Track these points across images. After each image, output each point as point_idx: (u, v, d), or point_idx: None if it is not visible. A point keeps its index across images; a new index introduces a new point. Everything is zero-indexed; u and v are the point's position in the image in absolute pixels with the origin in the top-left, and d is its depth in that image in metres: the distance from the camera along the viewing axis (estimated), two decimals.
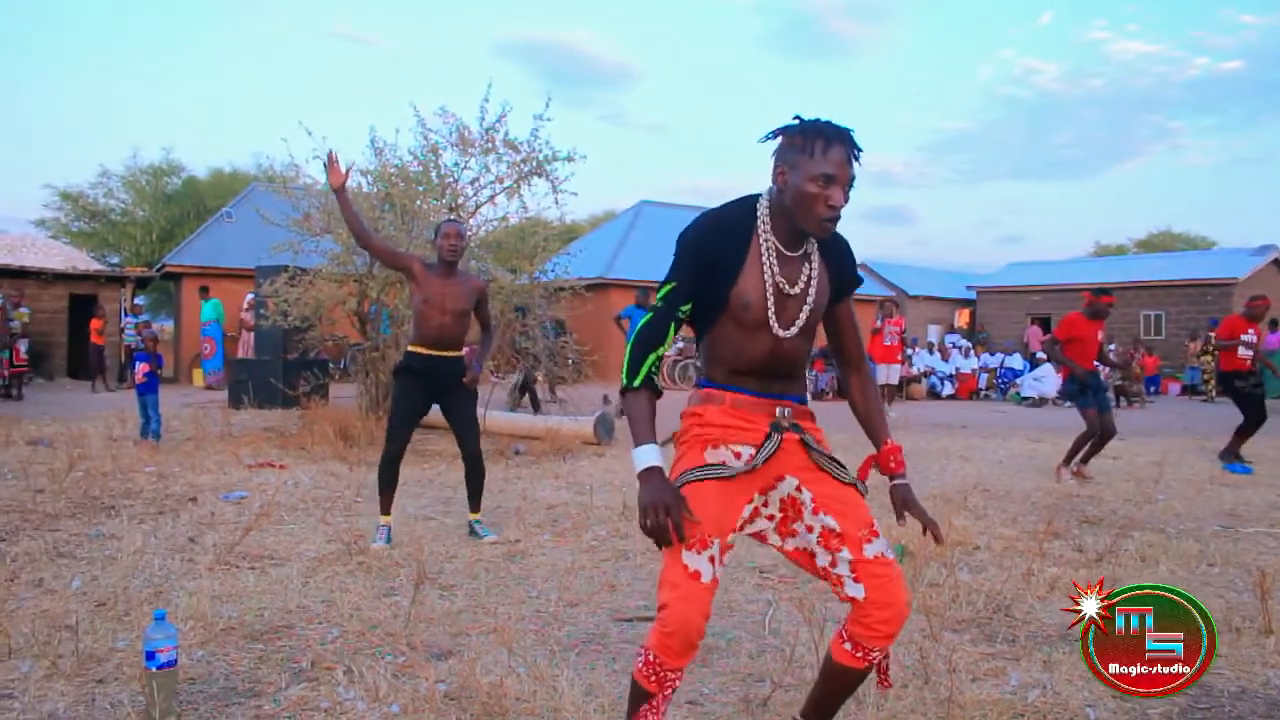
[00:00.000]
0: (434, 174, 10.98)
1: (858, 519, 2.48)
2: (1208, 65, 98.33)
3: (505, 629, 3.92)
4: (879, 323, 16.20)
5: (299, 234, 11.00)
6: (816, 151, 2.35)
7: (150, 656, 3.05)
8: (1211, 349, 19.28)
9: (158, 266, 25.04)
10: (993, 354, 23.89)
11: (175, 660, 3.12)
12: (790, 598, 4.55)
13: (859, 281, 2.69)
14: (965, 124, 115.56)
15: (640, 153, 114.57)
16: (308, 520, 6.24)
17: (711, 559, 2.37)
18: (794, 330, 2.48)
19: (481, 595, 4.61)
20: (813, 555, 2.53)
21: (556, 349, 12.51)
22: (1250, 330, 9.71)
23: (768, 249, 2.46)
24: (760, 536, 2.60)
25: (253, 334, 17.05)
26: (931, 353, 23.30)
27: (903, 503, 2.57)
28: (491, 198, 11.26)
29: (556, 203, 11.16)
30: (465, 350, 6.01)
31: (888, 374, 16.00)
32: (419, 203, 10.84)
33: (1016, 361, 23.11)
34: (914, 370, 21.55)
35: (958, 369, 22.82)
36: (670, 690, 2.42)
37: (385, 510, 5.73)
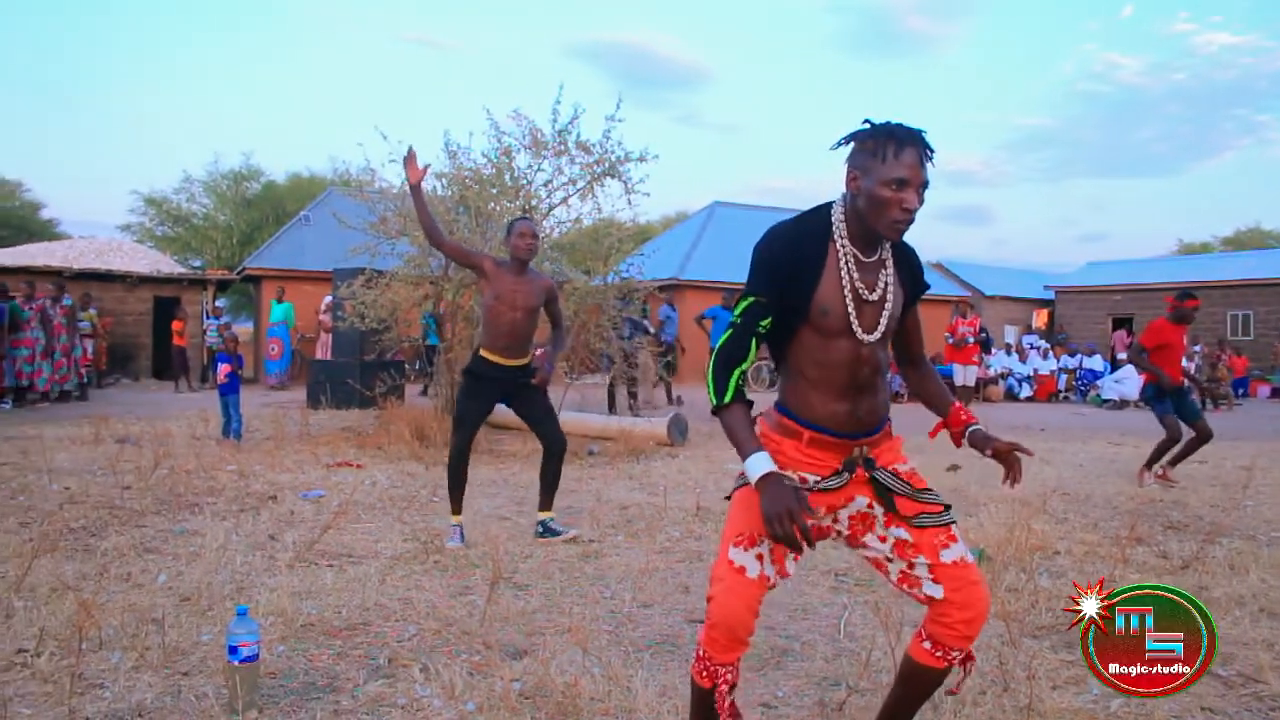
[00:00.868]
0: (507, 176, 11.04)
1: (932, 528, 2.47)
2: None
3: (580, 629, 3.92)
4: (953, 322, 15.98)
5: (375, 237, 11.13)
6: (889, 155, 2.33)
7: (233, 651, 3.11)
8: None
9: (238, 269, 25.55)
10: (1072, 355, 23.40)
11: (257, 655, 3.18)
12: (866, 601, 4.51)
13: (927, 286, 2.69)
14: (1044, 121, 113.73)
15: (713, 153, 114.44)
16: (384, 519, 6.32)
17: (760, 556, 2.38)
18: (875, 335, 2.46)
19: (556, 595, 4.63)
20: (887, 562, 2.53)
21: (632, 350, 12.52)
22: None
23: (845, 255, 2.44)
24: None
25: (330, 336, 17.34)
26: (1009, 354, 22.91)
27: (983, 440, 2.59)
28: (564, 199, 11.30)
29: (629, 204, 11.19)
30: (538, 352, 6.04)
31: (964, 375, 15.79)
32: (493, 205, 10.91)
33: (1097, 363, 22.59)
34: (991, 372, 21.22)
35: (1035, 370, 22.40)
36: (726, 686, 2.41)
37: (456, 510, 5.73)
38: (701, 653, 2.41)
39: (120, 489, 7.04)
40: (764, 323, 2.45)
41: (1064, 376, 22.86)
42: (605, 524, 6.30)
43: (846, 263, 2.43)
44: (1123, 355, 20.52)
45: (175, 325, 19.36)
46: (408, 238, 10.90)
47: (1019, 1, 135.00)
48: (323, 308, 18.89)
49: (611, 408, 13.60)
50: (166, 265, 24.09)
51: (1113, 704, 3.30)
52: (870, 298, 2.45)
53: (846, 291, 2.43)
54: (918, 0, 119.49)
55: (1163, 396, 8.40)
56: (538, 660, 3.58)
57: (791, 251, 2.44)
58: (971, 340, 17.78)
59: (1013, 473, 2.59)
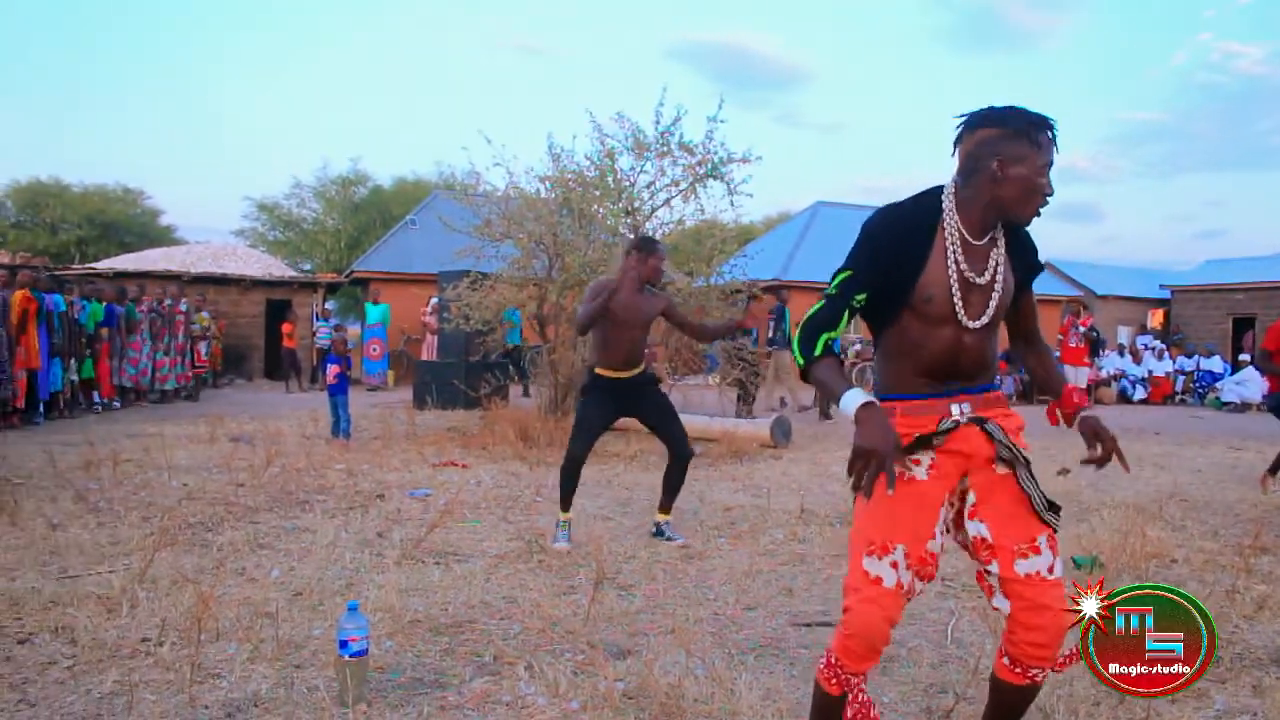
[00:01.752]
0: (610, 179, 11.10)
1: (1017, 533, 2.38)
2: None
3: (683, 630, 3.92)
4: (1064, 322, 15.58)
5: (480, 239, 11.27)
6: (1043, 141, 2.30)
7: (343, 645, 3.17)
8: None
9: (346, 272, 26.11)
10: (1189, 356, 22.62)
11: (366, 649, 3.24)
12: (974, 607, 4.41)
13: (1041, 268, 2.60)
14: (1156, 114, 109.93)
15: (814, 153, 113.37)
16: (489, 518, 6.39)
17: (895, 565, 2.32)
18: (982, 321, 2.39)
19: (659, 596, 4.63)
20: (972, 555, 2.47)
21: (734, 351, 12.47)
22: None
23: (953, 240, 2.38)
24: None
25: (436, 337, 17.62)
26: (1122, 355, 22.25)
27: (1093, 432, 2.47)
28: (667, 201, 11.32)
29: (732, 205, 11.16)
30: (647, 353, 6.01)
31: (1075, 376, 15.37)
32: (596, 207, 10.98)
33: (1216, 364, 21.79)
34: (1103, 373, 20.64)
35: (1150, 372, 21.70)
36: (859, 694, 2.38)
37: (565, 507, 5.71)
38: (834, 660, 2.37)
39: (235, 486, 7.25)
40: (859, 297, 2.39)
41: (1180, 378, 22.11)
42: (709, 526, 6.28)
43: (954, 247, 2.37)
44: (1244, 356, 19.75)
45: (285, 328, 19.88)
46: (511, 240, 11.03)
47: None
48: (429, 310, 19.21)
49: (748, 406, 13.50)
50: (278, 269, 24.70)
51: None
52: (979, 281, 2.39)
53: (953, 276, 2.36)
54: None
55: None
56: (641, 661, 3.58)
57: (899, 233, 2.39)
58: (1084, 340, 17.33)
59: (1118, 458, 2.45)
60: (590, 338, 6.08)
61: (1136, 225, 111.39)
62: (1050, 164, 2.31)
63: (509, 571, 5.01)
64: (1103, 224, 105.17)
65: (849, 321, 2.40)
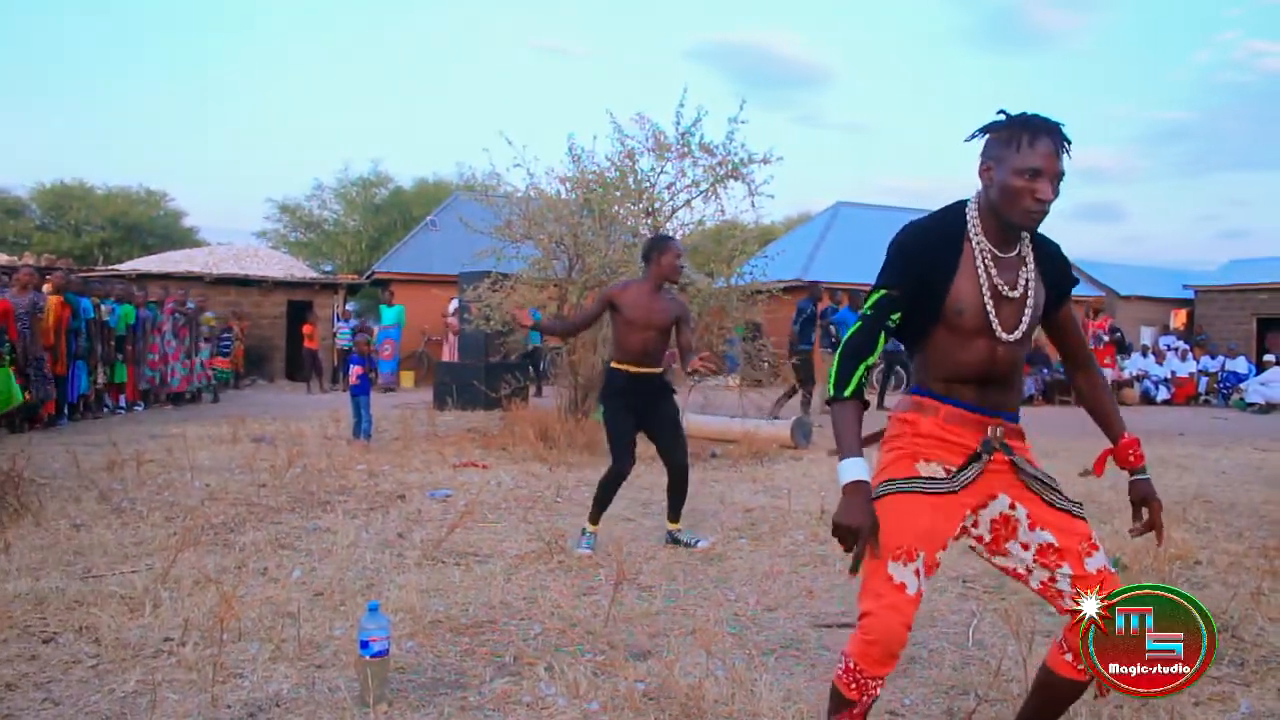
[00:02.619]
0: (630, 179, 11.09)
1: (1076, 532, 2.42)
2: None
3: (704, 631, 3.92)
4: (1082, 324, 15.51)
5: (501, 240, 11.26)
6: (1023, 145, 2.29)
7: (364, 645, 3.18)
8: None
9: (367, 274, 26.20)
10: (1213, 357, 22.41)
11: (387, 650, 3.25)
12: (995, 609, 4.39)
13: (1075, 282, 2.60)
14: (1180, 114, 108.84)
15: (835, 153, 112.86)
16: (510, 519, 6.40)
17: (917, 572, 2.33)
18: (1016, 334, 2.41)
19: (679, 597, 4.63)
20: (1028, 573, 2.45)
21: (754, 352, 12.45)
22: None
23: (981, 252, 2.39)
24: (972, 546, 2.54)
25: (456, 338, 17.64)
26: (1145, 356, 22.10)
27: (1142, 499, 2.54)
28: (688, 201, 11.30)
29: (753, 205, 11.14)
30: (667, 355, 6.00)
31: None
32: (616, 208, 10.97)
33: (1240, 365, 21.60)
34: (1125, 374, 20.50)
35: (1173, 373, 21.54)
36: (870, 700, 2.37)
37: (594, 520, 5.65)
38: (853, 665, 2.36)
39: (257, 486, 7.29)
40: (894, 316, 2.42)
41: (1204, 379, 21.94)
42: (729, 527, 6.28)
43: (983, 260, 2.38)
44: (1269, 357, 19.58)
45: (305, 329, 19.97)
46: (532, 241, 11.03)
47: None
48: (449, 311, 19.23)
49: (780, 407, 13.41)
50: (299, 270, 24.83)
51: None
52: (1011, 295, 2.40)
53: (985, 289, 2.38)
54: None
55: None
56: (662, 662, 3.58)
57: (926, 247, 2.40)
58: (1106, 341, 17.23)
59: (1147, 527, 2.58)
60: (610, 336, 6.10)
61: (1159, 225, 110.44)
62: (1035, 169, 2.28)
63: (529, 572, 5.02)
64: (1125, 224, 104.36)
65: (885, 341, 2.43)
